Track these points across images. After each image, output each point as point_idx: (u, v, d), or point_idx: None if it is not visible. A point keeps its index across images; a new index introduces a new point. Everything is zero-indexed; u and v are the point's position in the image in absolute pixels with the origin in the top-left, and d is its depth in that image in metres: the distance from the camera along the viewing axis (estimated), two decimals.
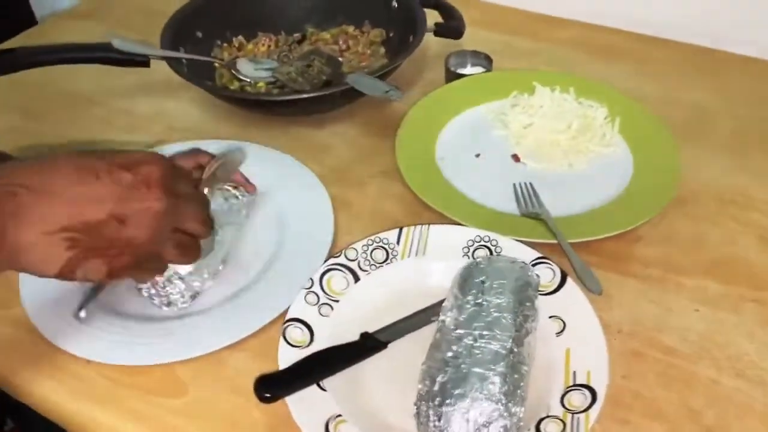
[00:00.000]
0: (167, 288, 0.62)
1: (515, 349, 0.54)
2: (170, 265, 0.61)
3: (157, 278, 0.62)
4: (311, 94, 0.81)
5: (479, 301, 0.57)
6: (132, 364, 0.61)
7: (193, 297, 0.64)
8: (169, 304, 0.63)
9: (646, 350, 0.62)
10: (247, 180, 0.69)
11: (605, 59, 0.99)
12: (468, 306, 0.57)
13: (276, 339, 0.62)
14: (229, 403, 0.59)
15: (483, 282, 0.58)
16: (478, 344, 0.53)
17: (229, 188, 0.69)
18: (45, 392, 0.61)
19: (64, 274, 0.47)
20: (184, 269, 0.62)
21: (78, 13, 1.21)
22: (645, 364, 0.61)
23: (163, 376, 0.61)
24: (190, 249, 0.53)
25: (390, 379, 0.59)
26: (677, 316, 0.65)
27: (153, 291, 0.63)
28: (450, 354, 0.53)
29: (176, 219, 0.50)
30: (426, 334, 0.62)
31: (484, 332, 0.54)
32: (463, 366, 0.52)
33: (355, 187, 0.80)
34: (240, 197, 0.69)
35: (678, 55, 1.00)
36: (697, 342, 0.62)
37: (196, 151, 0.63)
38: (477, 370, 0.52)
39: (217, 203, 0.66)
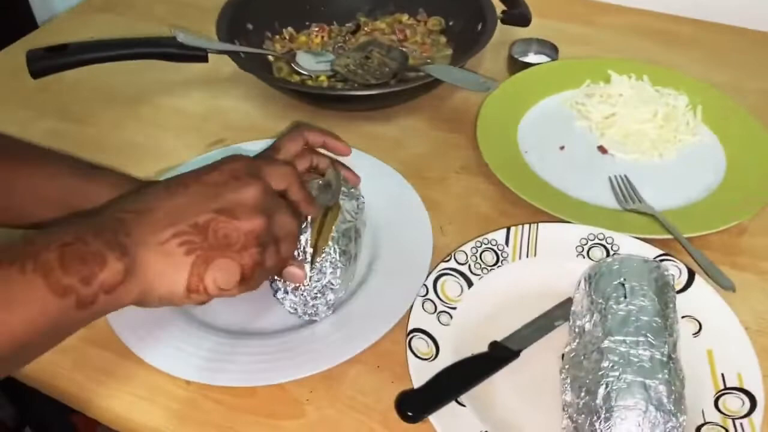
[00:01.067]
0: (317, 299, 0.58)
1: (673, 355, 0.51)
2: (322, 277, 0.58)
3: (307, 288, 0.58)
4: (395, 89, 0.76)
5: (624, 305, 0.53)
6: (238, 385, 0.57)
7: (334, 307, 0.60)
8: (315, 314, 0.59)
9: None
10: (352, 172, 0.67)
11: (666, 46, 0.97)
12: (613, 310, 0.53)
13: (390, 350, 0.59)
14: (352, 422, 0.55)
15: (623, 284, 0.55)
16: (634, 351, 0.50)
17: (351, 191, 0.64)
18: (141, 417, 0.56)
19: (194, 285, 0.45)
20: (336, 280, 0.58)
21: (94, 5, 1.14)
22: None
23: (274, 396, 0.57)
24: (297, 214, 0.53)
25: (525, 389, 0.56)
26: None
27: (296, 299, 0.58)
28: (606, 363, 0.50)
29: (274, 195, 0.50)
30: (553, 339, 0.59)
31: (639, 338, 0.51)
32: (624, 376, 0.49)
33: (438, 184, 0.76)
34: (362, 198, 0.65)
35: (743, 41, 0.98)
36: None
37: (300, 131, 0.63)
38: (640, 379, 0.49)
39: (350, 206, 0.63)
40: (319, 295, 0.58)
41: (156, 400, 0.56)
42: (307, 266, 0.57)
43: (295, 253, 0.58)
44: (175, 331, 0.59)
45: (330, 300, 0.58)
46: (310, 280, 0.57)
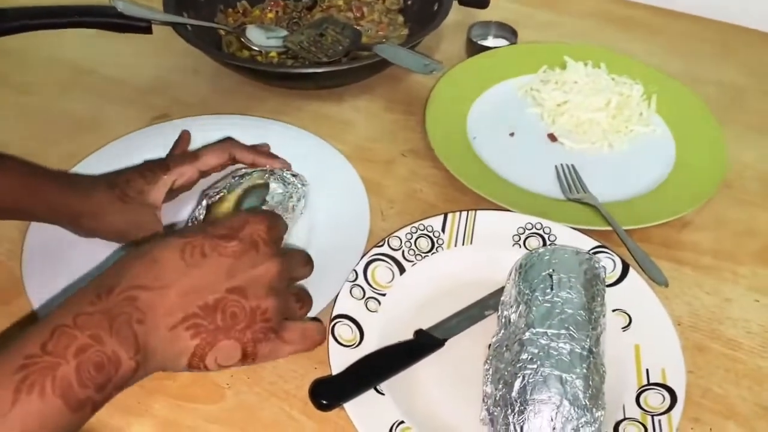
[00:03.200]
0: None
1: (594, 349, 0.50)
2: None
3: None
4: (342, 67, 0.74)
5: (550, 296, 0.52)
6: None
7: None
8: None
9: (709, 344, 0.59)
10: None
11: (628, 34, 0.95)
12: (538, 302, 0.52)
13: None
14: (272, 408, 0.54)
15: (551, 275, 0.54)
16: (554, 345, 0.49)
17: (288, 176, 0.63)
18: None
19: (194, 365, 0.44)
20: None
21: None
22: (710, 359, 0.58)
23: (194, 380, 0.55)
24: (307, 296, 0.49)
25: (448, 379, 0.55)
26: (737, 307, 0.62)
27: None
28: (525, 356, 0.49)
29: (290, 271, 0.47)
30: (482, 329, 0.58)
31: (561, 331, 0.50)
32: (541, 369, 0.48)
33: (384, 167, 0.74)
34: (301, 186, 0.63)
35: (703, 31, 0.97)
36: (760, 334, 0.60)
37: (226, 147, 0.61)
38: (557, 373, 0.48)
39: (276, 193, 0.61)
40: None
41: None
42: None
43: None
44: None
45: None
46: None
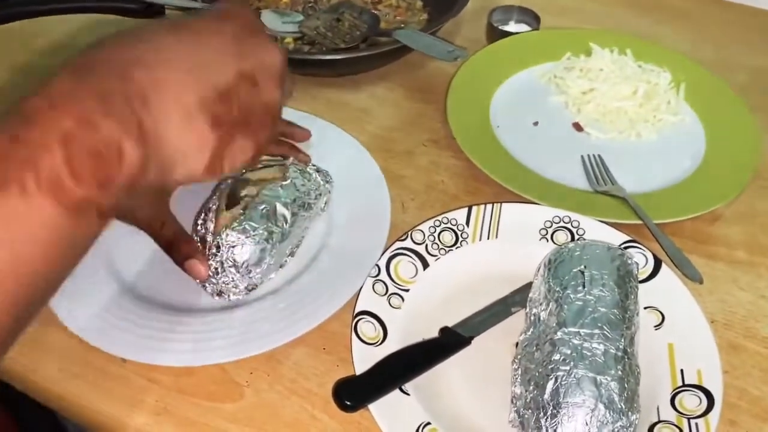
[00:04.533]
0: (220, 276, 0.54)
1: (629, 350, 0.48)
2: (224, 251, 0.54)
3: (210, 263, 0.54)
4: (361, 53, 0.72)
5: (582, 294, 0.50)
6: (174, 365, 0.54)
7: (250, 289, 0.56)
8: (220, 293, 0.56)
9: (744, 342, 0.57)
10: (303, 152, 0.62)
11: (655, 19, 0.92)
12: (570, 300, 0.50)
13: (337, 332, 0.56)
14: (293, 407, 0.52)
15: (582, 272, 0.52)
16: (588, 345, 0.47)
17: (311, 171, 0.60)
18: (73, 394, 0.53)
19: (214, 165, 0.37)
20: (240, 257, 0.54)
21: None
22: (745, 358, 0.56)
23: (213, 377, 0.54)
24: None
25: (474, 379, 0.53)
26: None
27: None
28: (557, 356, 0.47)
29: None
30: (508, 326, 0.56)
31: (594, 331, 0.48)
32: (575, 371, 0.46)
33: (404, 157, 0.72)
34: (323, 183, 0.61)
35: (735, 16, 0.93)
36: None
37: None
38: (591, 375, 0.46)
39: (296, 187, 0.58)
40: (221, 271, 0.54)
41: (87, 377, 0.54)
42: (210, 237, 0.54)
43: (200, 227, 0.55)
44: (110, 306, 0.56)
45: (236, 278, 0.55)
46: (210, 257, 0.54)
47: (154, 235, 0.53)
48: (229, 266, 0.54)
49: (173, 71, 0.34)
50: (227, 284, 0.55)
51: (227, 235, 0.54)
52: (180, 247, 0.53)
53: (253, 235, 0.54)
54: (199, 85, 0.35)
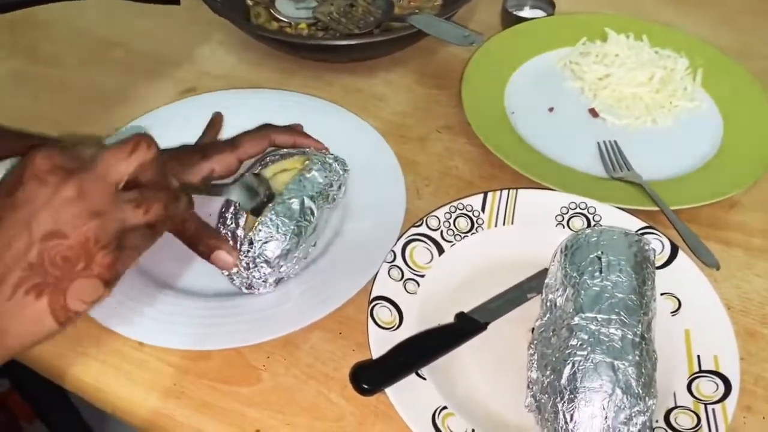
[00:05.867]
0: (251, 271, 0.54)
1: (646, 335, 0.48)
2: (256, 247, 0.54)
3: (241, 258, 0.54)
4: (376, 39, 0.72)
5: (599, 280, 0.50)
6: (192, 348, 0.54)
7: (278, 282, 0.57)
8: (249, 287, 0.56)
9: (760, 329, 0.57)
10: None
11: (674, 5, 0.91)
12: (587, 286, 0.50)
13: (353, 317, 0.56)
14: (310, 391, 0.53)
15: (599, 258, 0.52)
16: (605, 330, 0.47)
17: (331, 161, 0.60)
18: (89, 376, 0.54)
19: (64, 317, 0.40)
20: (272, 252, 0.54)
21: None
22: (762, 345, 0.56)
23: (230, 361, 0.54)
24: (149, 195, 0.42)
25: (490, 364, 0.53)
26: None
27: (234, 270, 0.55)
28: (574, 341, 0.47)
29: (102, 178, 0.40)
30: (523, 312, 0.56)
31: (611, 317, 0.48)
32: (592, 356, 0.46)
33: (418, 143, 0.72)
34: (342, 173, 0.60)
35: (755, 3, 0.92)
36: None
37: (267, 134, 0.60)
38: (609, 360, 0.46)
39: (320, 180, 0.58)
40: (252, 266, 0.54)
41: (106, 361, 0.54)
42: (241, 232, 0.54)
43: (229, 221, 0.55)
44: (128, 290, 0.56)
45: (266, 273, 0.55)
46: (243, 253, 0.54)
47: (177, 233, 0.54)
48: (261, 262, 0.54)
49: None
50: (258, 279, 0.55)
51: (259, 231, 0.54)
52: (204, 240, 0.54)
53: (284, 231, 0.54)
54: (8, 273, 0.39)
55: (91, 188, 0.40)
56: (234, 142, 0.61)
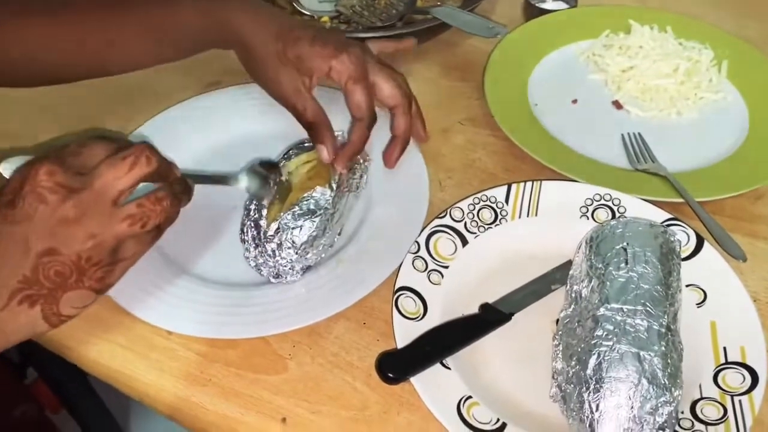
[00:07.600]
0: (277, 258, 0.55)
1: (672, 326, 0.48)
2: (283, 232, 0.55)
3: (269, 245, 0.55)
4: (398, 31, 0.72)
5: (624, 271, 0.50)
6: (219, 337, 0.55)
7: (304, 270, 0.57)
8: (277, 276, 0.57)
9: None
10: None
11: None
12: (612, 277, 0.50)
13: (377, 307, 0.57)
14: (336, 380, 0.53)
15: (625, 249, 0.52)
16: (631, 321, 0.47)
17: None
18: (119, 364, 0.55)
19: (56, 322, 0.43)
20: (299, 238, 0.55)
21: None
22: None
23: (256, 350, 0.55)
24: (140, 212, 0.42)
25: (514, 354, 0.53)
26: None
27: (261, 260, 0.56)
28: (600, 332, 0.47)
29: (102, 197, 0.41)
30: (547, 303, 0.56)
31: (637, 307, 0.48)
32: (617, 346, 0.46)
33: (440, 135, 0.72)
34: (363, 162, 0.61)
35: None
36: None
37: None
38: (634, 350, 0.46)
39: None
40: (278, 251, 0.55)
41: (135, 349, 0.55)
42: (264, 222, 0.55)
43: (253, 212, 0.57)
44: (157, 281, 0.57)
45: (293, 259, 0.55)
46: (268, 239, 0.55)
47: (298, 116, 0.58)
48: (288, 247, 0.55)
49: None
50: (284, 266, 0.56)
51: (286, 217, 0.55)
52: (318, 130, 0.58)
53: (312, 218, 0.55)
54: (3, 285, 0.41)
55: (89, 209, 0.41)
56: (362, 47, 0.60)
